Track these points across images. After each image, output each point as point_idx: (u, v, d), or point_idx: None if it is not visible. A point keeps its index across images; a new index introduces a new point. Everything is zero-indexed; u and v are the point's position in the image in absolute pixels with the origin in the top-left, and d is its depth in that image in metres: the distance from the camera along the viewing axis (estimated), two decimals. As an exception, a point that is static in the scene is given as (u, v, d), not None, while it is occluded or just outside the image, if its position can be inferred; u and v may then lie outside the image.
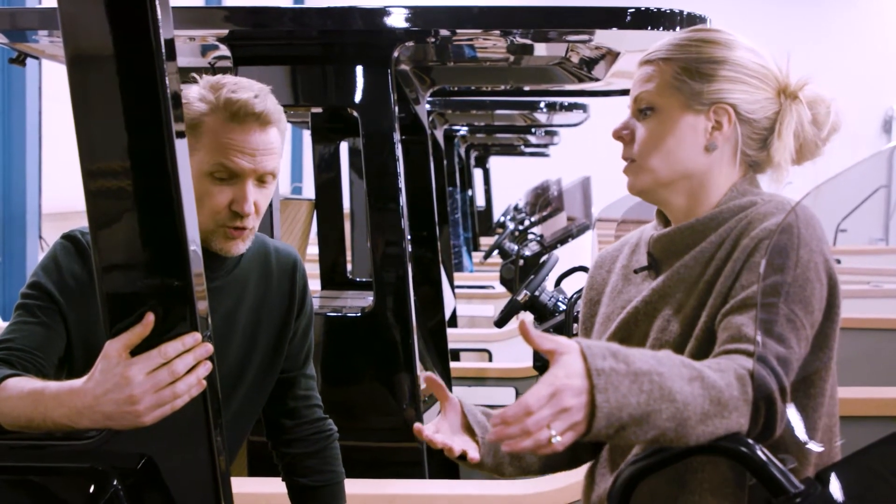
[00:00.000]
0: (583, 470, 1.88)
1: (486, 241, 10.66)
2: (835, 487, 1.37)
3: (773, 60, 1.76)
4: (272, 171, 2.02)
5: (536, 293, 3.94)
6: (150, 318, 1.69)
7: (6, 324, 1.97)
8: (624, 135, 1.75)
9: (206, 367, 1.71)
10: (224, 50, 3.25)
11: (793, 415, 1.57)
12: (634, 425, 1.42)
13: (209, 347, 1.71)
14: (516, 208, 10.52)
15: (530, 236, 7.56)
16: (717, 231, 1.70)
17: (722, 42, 1.74)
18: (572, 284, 4.11)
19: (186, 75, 2.12)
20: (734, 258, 1.65)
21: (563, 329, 3.64)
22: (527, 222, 8.33)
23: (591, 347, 1.42)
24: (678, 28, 2.95)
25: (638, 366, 1.43)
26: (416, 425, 1.62)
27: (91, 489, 1.75)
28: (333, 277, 4.21)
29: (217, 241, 2.02)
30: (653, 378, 1.42)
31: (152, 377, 1.66)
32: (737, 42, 1.75)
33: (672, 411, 1.42)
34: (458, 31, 3.10)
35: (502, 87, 5.02)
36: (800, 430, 1.60)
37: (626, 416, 1.40)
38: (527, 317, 4.03)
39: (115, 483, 1.74)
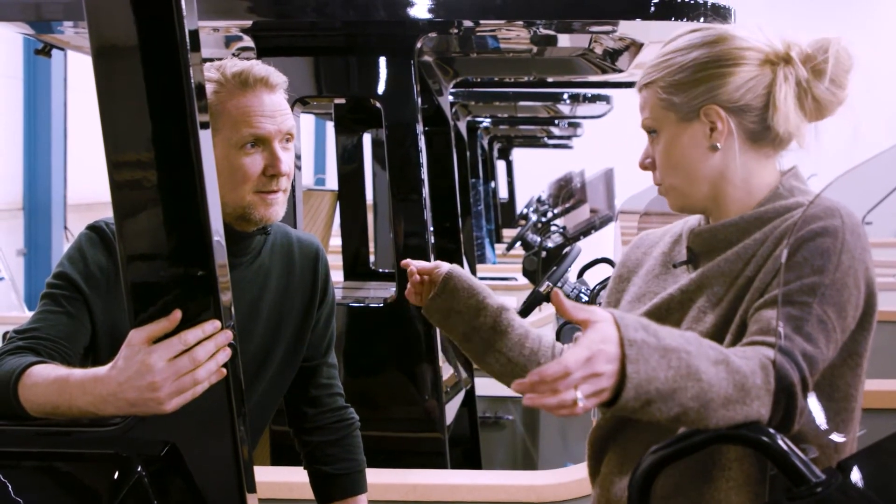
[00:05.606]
0: None
1: (508, 233, 10.64)
2: (856, 477, 1.37)
3: (753, 34, 1.72)
4: (291, 130, 2.08)
5: (559, 285, 3.94)
6: (177, 314, 1.70)
7: (32, 313, 1.99)
8: (647, 164, 1.80)
9: (226, 354, 1.72)
10: (248, 41, 3.26)
11: (814, 407, 1.56)
12: (660, 401, 1.42)
13: (229, 334, 1.72)
14: (539, 200, 10.50)
15: (553, 228, 7.54)
16: (761, 229, 1.69)
17: (689, 45, 1.73)
18: (595, 276, 4.10)
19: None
20: (775, 255, 1.64)
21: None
22: (549, 214, 8.31)
23: (624, 318, 1.43)
24: (702, 19, 2.94)
25: (667, 342, 1.44)
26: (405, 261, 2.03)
27: (115, 475, 1.76)
28: (356, 268, 4.22)
29: (257, 212, 2.05)
30: (681, 355, 1.43)
31: (173, 364, 1.68)
32: (707, 36, 1.73)
33: (697, 391, 1.43)
34: (482, 21, 3.10)
35: (525, 79, 5.01)
36: (821, 423, 1.60)
37: (654, 390, 1.41)
38: (548, 308, 4.02)
39: (139, 469, 1.76)
